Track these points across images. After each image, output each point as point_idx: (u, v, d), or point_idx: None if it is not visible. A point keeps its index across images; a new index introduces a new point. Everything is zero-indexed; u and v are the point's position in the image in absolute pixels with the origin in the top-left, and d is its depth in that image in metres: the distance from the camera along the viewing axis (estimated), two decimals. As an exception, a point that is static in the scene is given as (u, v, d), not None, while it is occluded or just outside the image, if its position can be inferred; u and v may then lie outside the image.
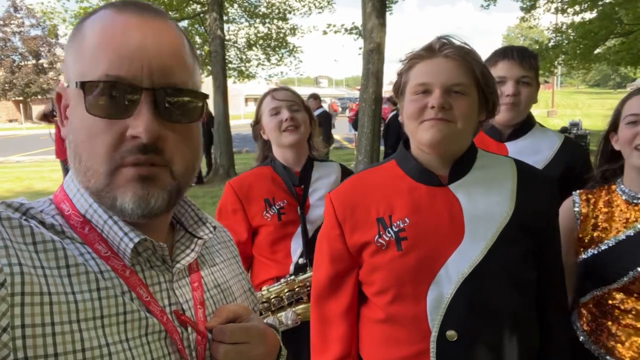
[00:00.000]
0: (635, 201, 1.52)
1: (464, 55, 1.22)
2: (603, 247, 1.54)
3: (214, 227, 0.87)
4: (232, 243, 1.03)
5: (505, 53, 1.91)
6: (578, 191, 1.67)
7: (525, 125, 1.95)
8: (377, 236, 1.26)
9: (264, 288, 1.84)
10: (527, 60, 1.88)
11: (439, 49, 1.22)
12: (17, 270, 0.60)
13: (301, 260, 1.88)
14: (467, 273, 1.20)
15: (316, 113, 11.75)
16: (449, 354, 1.20)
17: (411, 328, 1.23)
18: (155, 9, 0.75)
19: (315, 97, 11.50)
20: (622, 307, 1.48)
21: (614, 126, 1.59)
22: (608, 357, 1.51)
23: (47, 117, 7.09)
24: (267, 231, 1.92)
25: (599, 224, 1.58)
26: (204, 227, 0.85)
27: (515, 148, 1.91)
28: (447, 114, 1.19)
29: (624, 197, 1.55)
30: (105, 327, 0.66)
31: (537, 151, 1.90)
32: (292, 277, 1.86)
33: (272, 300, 1.81)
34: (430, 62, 1.23)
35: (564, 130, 14.61)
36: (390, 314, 1.26)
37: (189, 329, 0.76)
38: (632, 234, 1.50)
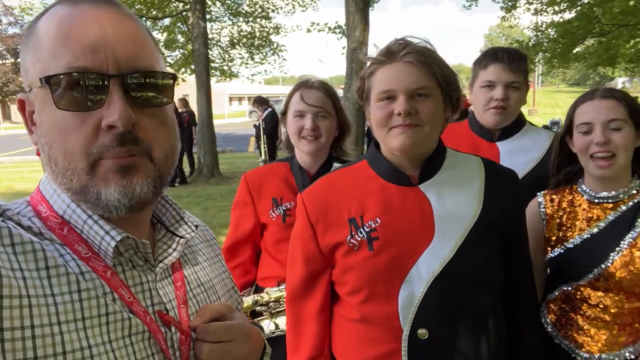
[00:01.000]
0: (596, 200, 1.56)
1: (423, 59, 1.21)
2: (569, 246, 1.57)
3: (196, 226, 0.86)
4: (215, 242, 1.01)
5: (496, 56, 1.89)
6: (542, 192, 1.69)
7: (515, 125, 1.95)
8: (349, 236, 1.27)
9: (267, 289, 1.83)
10: (517, 64, 1.87)
11: (398, 53, 1.22)
12: None
13: None
14: (438, 272, 1.21)
15: (264, 115, 11.51)
16: (420, 352, 1.22)
17: (384, 327, 1.24)
18: None
19: (259, 101, 11.18)
20: (590, 302, 1.52)
21: (568, 131, 1.61)
22: (577, 351, 1.54)
23: None
24: (272, 230, 1.92)
25: (564, 223, 1.61)
26: (186, 225, 0.84)
27: (507, 148, 1.92)
28: (413, 119, 1.21)
29: (585, 197, 1.59)
30: (87, 329, 0.65)
31: (528, 150, 1.91)
32: None
33: (271, 303, 1.80)
34: (391, 67, 1.23)
35: (545, 128, 14.85)
36: (363, 314, 1.27)
37: (173, 328, 0.76)
38: (595, 232, 1.54)
